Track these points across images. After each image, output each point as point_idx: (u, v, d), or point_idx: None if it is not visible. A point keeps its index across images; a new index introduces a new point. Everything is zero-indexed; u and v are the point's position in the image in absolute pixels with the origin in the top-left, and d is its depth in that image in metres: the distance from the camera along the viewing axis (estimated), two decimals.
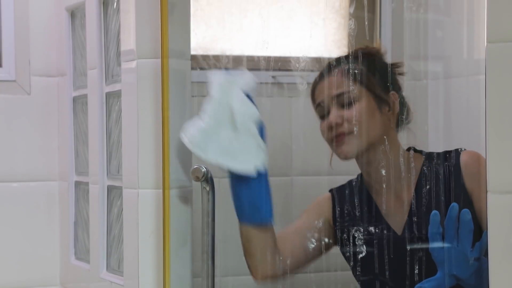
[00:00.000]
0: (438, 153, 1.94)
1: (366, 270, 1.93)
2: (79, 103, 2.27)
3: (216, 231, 1.78)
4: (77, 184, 2.29)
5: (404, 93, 1.99)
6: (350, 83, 1.90)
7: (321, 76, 1.96)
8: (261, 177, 1.75)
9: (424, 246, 1.80)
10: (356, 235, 1.94)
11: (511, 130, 1.17)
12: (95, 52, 2.07)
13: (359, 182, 1.99)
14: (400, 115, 1.95)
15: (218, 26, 2.35)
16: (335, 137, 1.91)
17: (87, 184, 2.16)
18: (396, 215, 1.93)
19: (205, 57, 2.30)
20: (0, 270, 2.35)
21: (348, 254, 1.95)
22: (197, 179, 1.75)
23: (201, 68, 2.29)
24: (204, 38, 2.33)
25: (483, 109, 1.22)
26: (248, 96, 1.73)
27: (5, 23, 2.36)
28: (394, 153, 1.92)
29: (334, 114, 1.90)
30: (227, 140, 1.71)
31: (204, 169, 1.74)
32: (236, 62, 2.31)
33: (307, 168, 2.37)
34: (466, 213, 1.68)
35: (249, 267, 1.87)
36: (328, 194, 2.02)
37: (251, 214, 1.79)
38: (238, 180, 1.76)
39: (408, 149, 1.97)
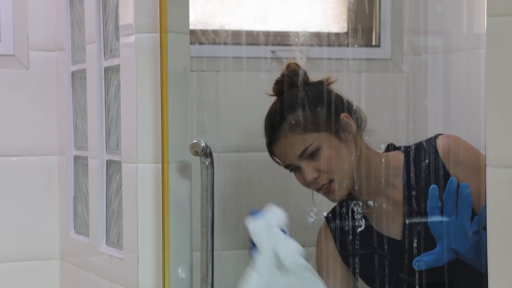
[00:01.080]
0: (416, 145, 1.91)
1: (369, 273, 1.95)
2: (78, 78, 2.27)
3: (215, 205, 1.78)
4: (76, 158, 2.29)
5: (344, 100, 1.93)
6: (306, 136, 1.88)
7: (272, 137, 1.93)
8: None
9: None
10: (356, 255, 1.94)
11: (511, 104, 1.17)
12: (94, 26, 2.06)
13: (347, 204, 1.97)
14: (358, 128, 1.93)
15: (217, 0, 2.34)
16: (320, 189, 1.91)
17: (86, 158, 2.16)
18: (393, 222, 1.92)
19: (204, 32, 2.30)
20: (0, 243, 2.35)
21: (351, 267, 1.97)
22: (196, 153, 1.75)
23: (200, 43, 2.28)
24: (203, 12, 2.32)
25: (483, 83, 1.21)
26: (283, 231, 1.75)
27: None
28: (374, 164, 1.91)
29: (308, 171, 1.89)
30: (285, 283, 1.73)
31: (203, 144, 1.74)
32: (235, 37, 2.31)
33: None
34: (465, 187, 1.67)
35: None
36: (324, 221, 2.02)
37: None
38: None
39: (387, 149, 1.95)
